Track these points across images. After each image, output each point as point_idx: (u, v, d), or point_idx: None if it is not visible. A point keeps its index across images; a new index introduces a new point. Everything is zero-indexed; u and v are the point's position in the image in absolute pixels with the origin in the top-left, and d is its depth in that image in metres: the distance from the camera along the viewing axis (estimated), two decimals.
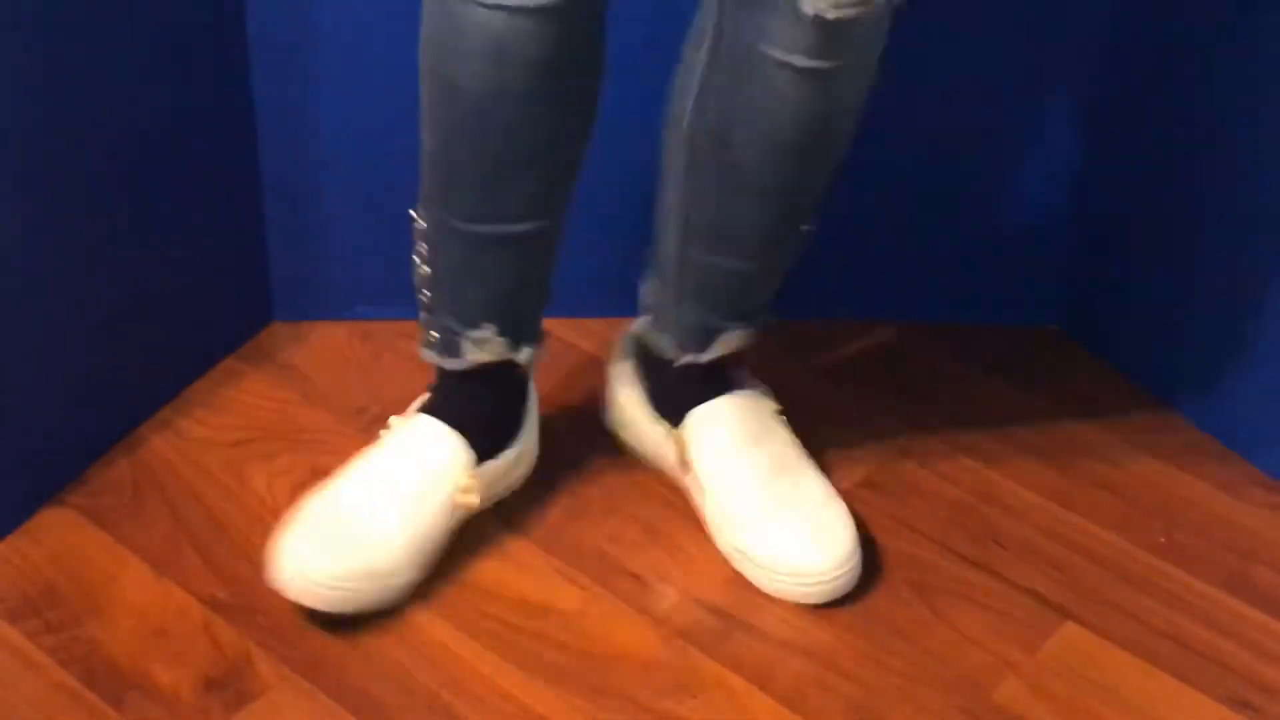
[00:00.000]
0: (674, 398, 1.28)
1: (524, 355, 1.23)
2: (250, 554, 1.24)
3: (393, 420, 1.26)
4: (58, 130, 1.21)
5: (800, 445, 1.28)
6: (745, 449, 1.25)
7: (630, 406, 1.33)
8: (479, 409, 1.24)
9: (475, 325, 1.21)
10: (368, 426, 1.37)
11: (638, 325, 1.30)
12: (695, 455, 1.26)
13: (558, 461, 1.34)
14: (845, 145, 1.15)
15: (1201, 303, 1.40)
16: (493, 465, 1.25)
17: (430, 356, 1.24)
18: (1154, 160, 1.42)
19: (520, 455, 1.28)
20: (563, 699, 1.13)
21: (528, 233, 1.16)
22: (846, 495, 1.27)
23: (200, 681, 1.13)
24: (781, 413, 1.29)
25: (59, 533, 1.25)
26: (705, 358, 1.26)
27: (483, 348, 1.21)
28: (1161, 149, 1.41)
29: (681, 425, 1.27)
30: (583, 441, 1.36)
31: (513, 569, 1.23)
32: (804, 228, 1.21)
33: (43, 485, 1.28)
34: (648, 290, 1.28)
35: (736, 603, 1.22)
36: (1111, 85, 1.43)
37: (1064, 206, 1.50)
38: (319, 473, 1.32)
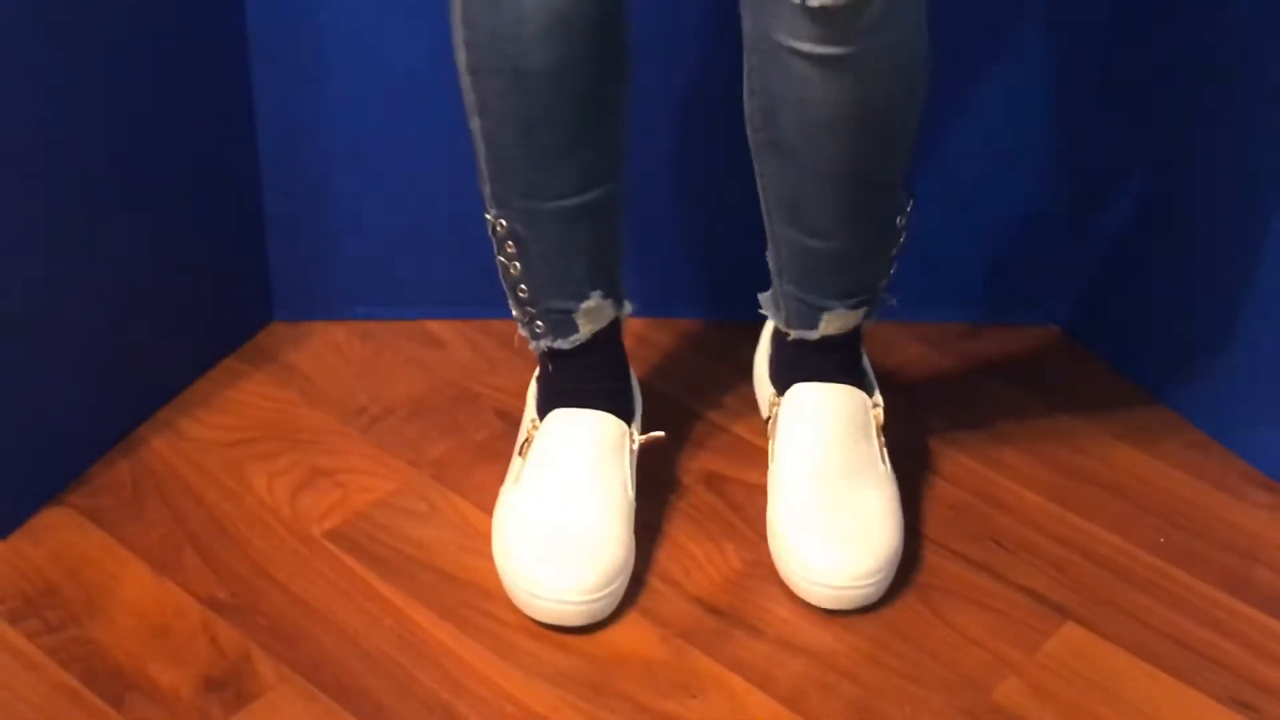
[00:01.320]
0: (786, 367, 1.30)
1: (625, 309, 1.26)
2: (250, 554, 1.24)
3: (533, 423, 1.26)
4: (57, 130, 1.21)
5: (885, 458, 1.27)
6: (822, 440, 1.25)
7: (759, 367, 1.36)
8: (605, 374, 1.27)
9: (584, 297, 1.22)
10: (368, 426, 1.38)
11: (763, 297, 1.31)
12: (779, 429, 1.27)
13: None
14: (900, 124, 1.14)
15: (1202, 303, 1.40)
16: (638, 417, 1.29)
17: (546, 344, 1.25)
18: (1154, 160, 1.42)
19: (639, 400, 1.31)
20: (563, 699, 1.13)
21: (607, 194, 1.19)
22: None
23: (200, 681, 1.13)
24: (880, 414, 1.29)
25: (59, 533, 1.25)
26: (812, 335, 1.26)
27: (594, 316, 1.23)
28: (1162, 148, 1.41)
29: (782, 395, 1.28)
30: None
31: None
32: (889, 211, 1.20)
33: (43, 485, 1.28)
34: (769, 268, 1.29)
35: (736, 603, 1.22)
36: (1112, 85, 1.43)
37: (1064, 206, 1.50)
38: (319, 472, 1.32)
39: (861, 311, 1.26)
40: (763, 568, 1.25)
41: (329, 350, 1.47)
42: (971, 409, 1.44)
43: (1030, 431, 1.41)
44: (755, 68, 1.13)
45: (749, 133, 1.18)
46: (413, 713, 1.12)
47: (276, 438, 1.36)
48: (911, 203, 1.22)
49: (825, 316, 1.24)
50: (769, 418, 1.30)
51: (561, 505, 1.21)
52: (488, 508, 1.29)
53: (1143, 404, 1.46)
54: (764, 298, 1.30)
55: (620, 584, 1.20)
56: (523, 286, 1.22)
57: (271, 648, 1.16)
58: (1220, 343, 1.39)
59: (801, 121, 1.12)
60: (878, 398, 1.30)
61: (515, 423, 1.37)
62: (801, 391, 1.27)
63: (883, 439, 1.28)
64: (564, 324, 1.23)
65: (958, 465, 1.37)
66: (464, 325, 1.51)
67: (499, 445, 1.35)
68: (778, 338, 1.32)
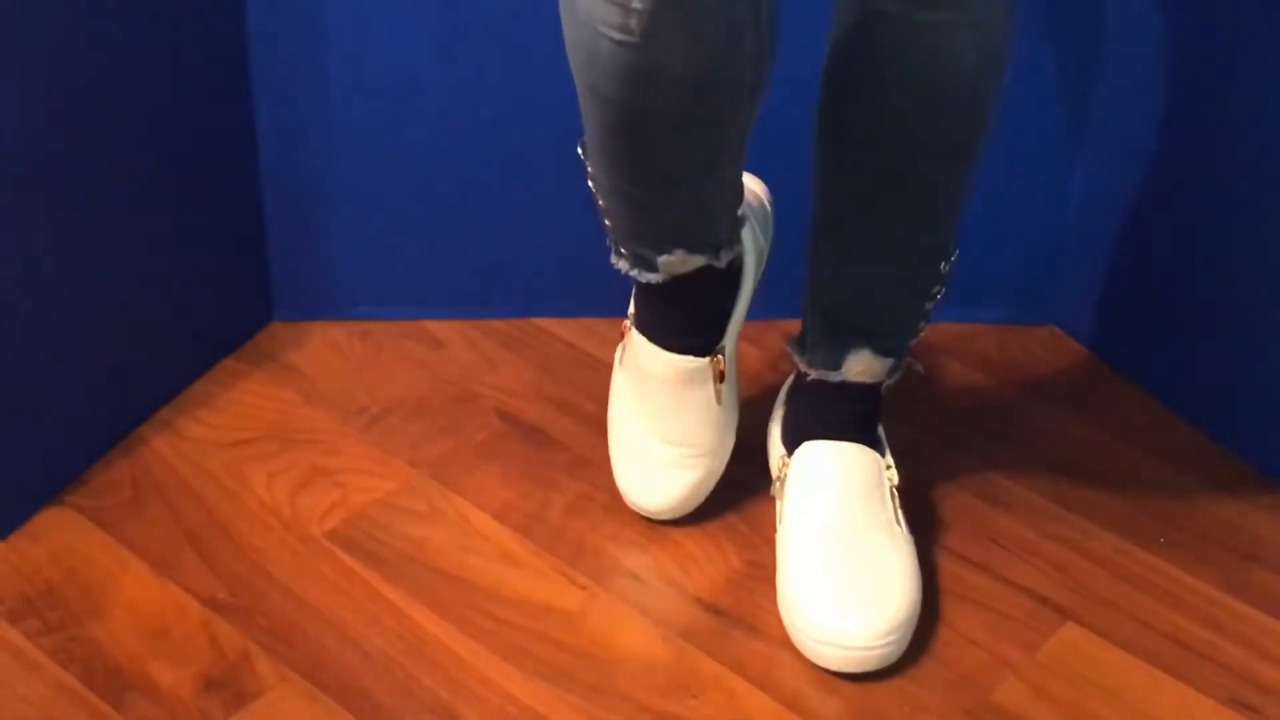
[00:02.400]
0: (799, 426, 1.26)
1: (723, 259, 1.20)
2: (250, 554, 1.24)
3: (630, 340, 1.27)
4: (56, 130, 1.21)
5: (899, 521, 1.22)
6: (832, 502, 1.20)
7: (771, 427, 1.31)
8: (691, 309, 1.23)
9: (666, 252, 1.18)
10: (368, 426, 1.38)
11: (790, 339, 1.28)
12: (788, 489, 1.23)
13: (558, 462, 1.34)
14: (967, 129, 1.11)
15: (1201, 302, 1.40)
16: (729, 342, 1.27)
17: (624, 268, 1.21)
18: (1154, 159, 1.42)
19: (749, 290, 1.29)
20: (563, 699, 1.13)
21: (698, 185, 1.14)
22: None
23: (200, 681, 1.13)
24: (894, 476, 1.25)
25: (59, 533, 1.25)
26: (834, 377, 1.23)
27: (678, 266, 1.19)
28: (1161, 148, 1.41)
29: (792, 454, 1.24)
30: (583, 442, 1.36)
31: (513, 569, 1.23)
32: (934, 244, 1.17)
33: (43, 485, 1.28)
34: (802, 305, 1.27)
35: (736, 603, 1.22)
36: (1111, 84, 1.43)
37: (1063, 206, 1.50)
38: (319, 473, 1.32)
39: (888, 364, 1.22)
40: (762, 568, 1.25)
41: (329, 350, 1.47)
42: (971, 409, 1.44)
43: (1030, 432, 1.41)
44: (838, 39, 1.09)
45: (818, 122, 1.14)
46: (413, 713, 1.12)
47: (276, 438, 1.36)
48: (956, 253, 1.20)
49: (851, 355, 1.21)
50: (778, 478, 1.26)
51: (638, 429, 1.27)
52: (488, 508, 1.29)
53: (1143, 404, 1.46)
54: (791, 340, 1.27)
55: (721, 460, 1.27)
56: (607, 218, 1.19)
57: (271, 648, 1.16)
58: (1221, 343, 1.39)
59: (873, 102, 1.09)
60: (890, 460, 1.25)
61: (515, 423, 1.37)
62: (812, 449, 1.23)
63: (898, 500, 1.23)
64: (645, 262, 1.19)
65: (958, 465, 1.37)
66: (464, 325, 1.51)
67: (499, 445, 1.35)
68: (793, 395, 1.29)
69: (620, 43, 1.01)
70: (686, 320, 1.24)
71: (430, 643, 1.17)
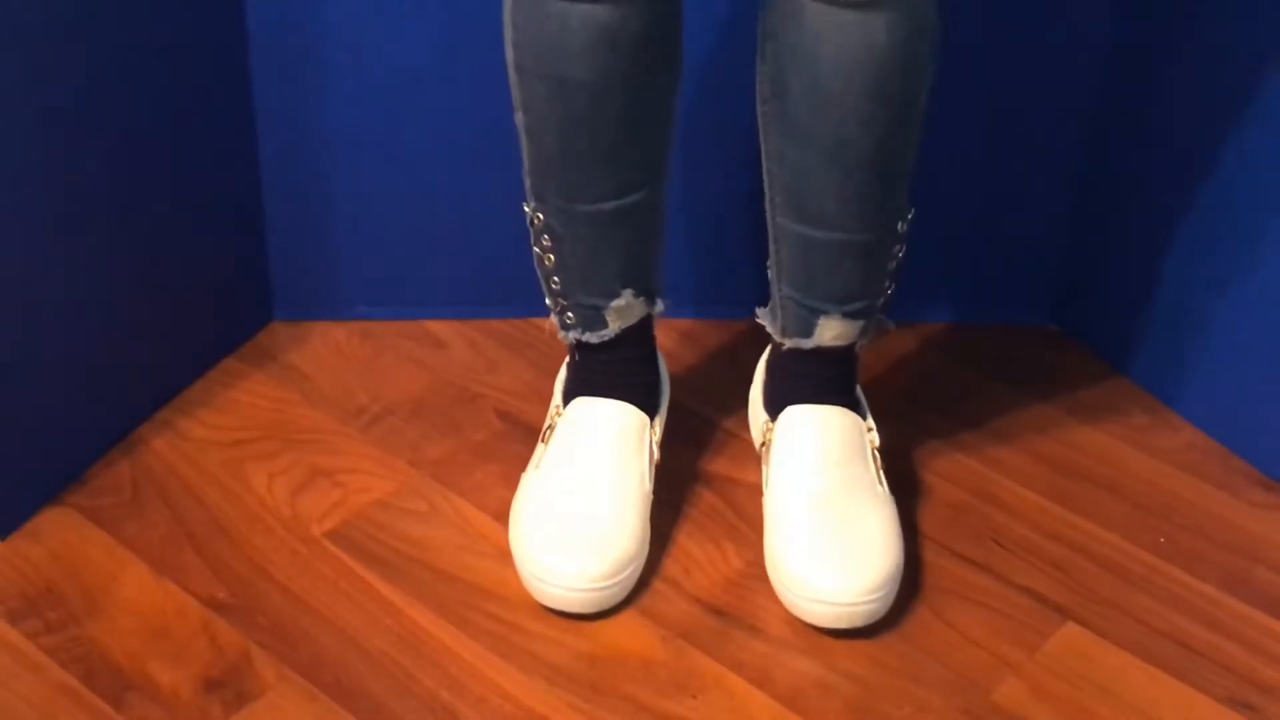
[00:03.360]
0: (780, 392, 1.29)
1: (658, 307, 1.27)
2: (250, 554, 1.24)
3: (557, 410, 1.28)
4: (57, 130, 1.21)
5: (881, 480, 1.26)
6: (817, 463, 1.23)
7: (754, 397, 1.35)
8: (632, 369, 1.28)
9: (615, 295, 1.23)
10: (368, 426, 1.38)
11: (760, 310, 1.30)
12: (773, 454, 1.26)
13: None
14: (907, 103, 1.13)
15: (1201, 303, 1.40)
16: (662, 409, 1.30)
17: (575, 336, 1.26)
18: (1153, 159, 1.42)
19: (666, 394, 1.33)
20: (563, 699, 1.13)
21: (645, 198, 1.20)
22: None
23: (200, 681, 1.13)
24: (875, 436, 1.28)
25: (59, 533, 1.25)
26: (808, 344, 1.25)
27: (625, 314, 1.24)
28: (1161, 147, 1.41)
29: (775, 420, 1.27)
30: None
31: (513, 569, 1.23)
32: (891, 207, 1.19)
33: (43, 485, 1.28)
34: (769, 276, 1.29)
35: (736, 603, 1.22)
36: (1110, 83, 1.43)
37: (1063, 205, 1.50)
38: (319, 473, 1.32)
39: (859, 326, 1.24)
40: (762, 568, 1.25)
41: (329, 350, 1.47)
42: (971, 409, 1.44)
43: (1030, 431, 1.41)
44: (769, 29, 1.13)
45: (759, 108, 1.18)
46: (413, 713, 1.12)
47: (276, 438, 1.36)
48: (912, 212, 1.22)
49: (821, 321, 1.24)
50: (762, 444, 1.29)
51: (576, 492, 1.22)
52: (488, 508, 1.29)
53: (1142, 404, 1.46)
54: (761, 311, 1.29)
55: (630, 574, 1.20)
56: (555, 279, 1.23)
57: (271, 648, 1.16)
58: (1220, 342, 1.39)
59: (811, 87, 1.12)
60: (871, 422, 1.29)
61: (515, 423, 1.37)
62: (795, 414, 1.26)
63: (879, 461, 1.27)
64: (594, 319, 1.24)
65: (958, 465, 1.37)
66: (464, 325, 1.51)
67: (499, 445, 1.35)
68: (772, 363, 1.32)
69: (590, 3, 1.08)
70: (624, 383, 1.27)
71: (430, 643, 1.17)
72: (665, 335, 1.50)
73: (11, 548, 1.24)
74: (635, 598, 1.22)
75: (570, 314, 1.25)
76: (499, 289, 1.50)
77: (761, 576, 1.24)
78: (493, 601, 1.21)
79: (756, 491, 1.31)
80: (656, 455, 1.27)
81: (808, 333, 1.25)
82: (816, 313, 1.24)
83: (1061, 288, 1.54)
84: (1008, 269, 1.53)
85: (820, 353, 1.26)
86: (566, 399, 1.28)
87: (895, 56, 1.10)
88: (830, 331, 1.24)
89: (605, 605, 1.19)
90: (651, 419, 1.27)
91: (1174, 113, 1.39)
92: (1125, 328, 1.49)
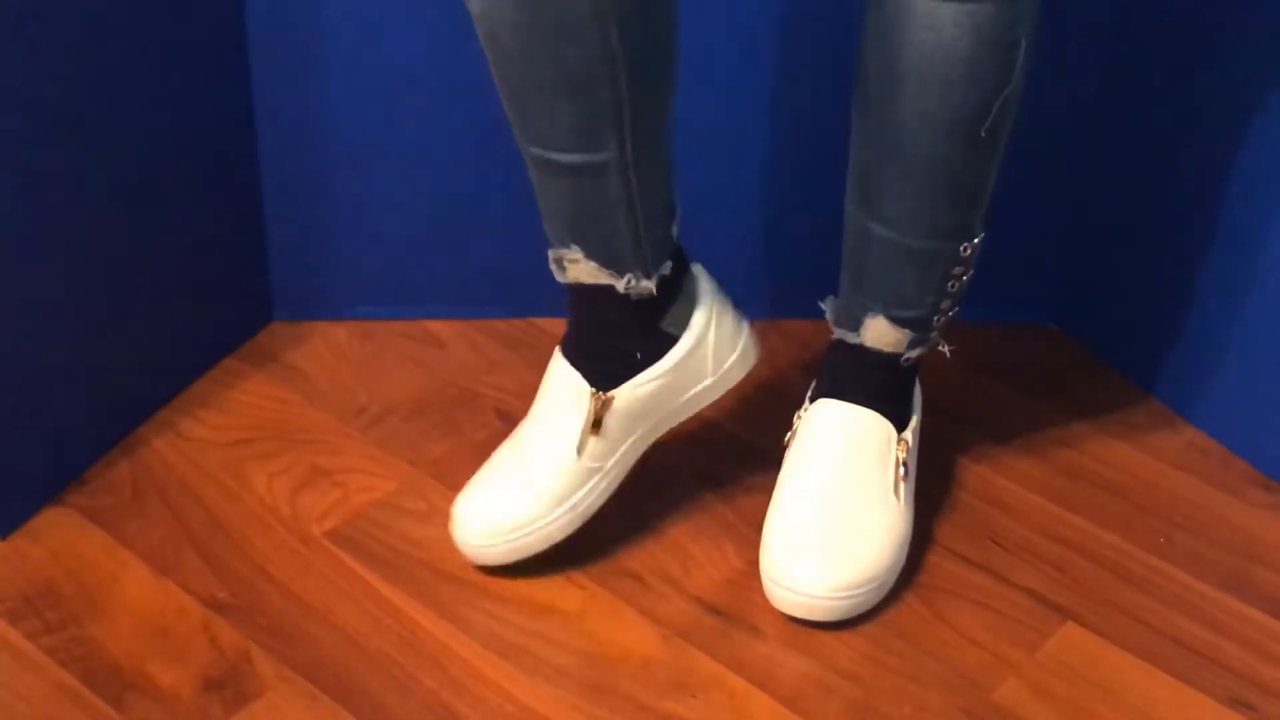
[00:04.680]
0: (821, 381, 1.27)
1: (623, 284, 1.19)
2: (250, 554, 1.24)
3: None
4: (56, 130, 1.21)
5: (898, 490, 1.24)
6: (831, 460, 1.23)
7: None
8: (594, 330, 1.23)
9: (565, 244, 1.19)
10: (368, 426, 1.38)
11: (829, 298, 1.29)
12: (794, 443, 1.26)
13: None
14: (973, 121, 1.12)
15: (1201, 303, 1.40)
16: (625, 390, 1.22)
17: (551, 267, 1.22)
18: (1154, 159, 1.42)
19: (672, 379, 1.25)
20: (563, 699, 1.13)
21: (579, 164, 1.14)
22: None
23: (200, 681, 1.13)
24: (904, 450, 1.26)
25: (59, 533, 1.25)
26: (852, 339, 1.24)
27: (572, 268, 1.20)
28: (1161, 147, 1.41)
29: (806, 409, 1.26)
30: None
31: (513, 569, 1.23)
32: (957, 222, 1.18)
33: (43, 485, 1.28)
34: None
35: (736, 603, 1.22)
36: (1110, 83, 1.43)
37: (1063, 205, 1.50)
38: (319, 473, 1.32)
39: (906, 335, 1.23)
40: None
41: (329, 350, 1.47)
42: (971, 409, 1.44)
43: (1030, 431, 1.41)
44: (873, 31, 1.12)
45: (854, 110, 1.16)
46: (413, 713, 1.12)
47: (276, 438, 1.36)
48: (979, 239, 1.20)
49: (867, 320, 1.22)
50: (791, 430, 1.28)
51: (510, 447, 1.23)
52: None
53: (1143, 404, 1.46)
54: (828, 297, 1.28)
55: (530, 538, 1.22)
56: (545, 212, 1.20)
57: (271, 648, 1.16)
58: (1220, 343, 1.39)
59: (886, 70, 1.10)
60: (908, 434, 1.26)
61: (515, 423, 1.37)
62: (824, 408, 1.25)
63: (901, 474, 1.24)
64: (556, 259, 1.21)
65: (957, 465, 1.37)
66: (464, 325, 1.51)
67: (499, 445, 1.35)
68: (826, 354, 1.29)
69: None
70: (584, 340, 1.23)
71: (430, 643, 1.17)
72: None
73: (11, 548, 1.24)
74: (635, 598, 1.22)
75: (550, 242, 1.20)
76: (499, 289, 1.50)
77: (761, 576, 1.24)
78: (493, 601, 1.21)
79: (756, 491, 1.31)
80: (598, 433, 1.22)
81: (855, 327, 1.24)
82: (865, 309, 1.23)
83: (1061, 288, 1.54)
84: (1008, 269, 1.53)
85: (864, 351, 1.25)
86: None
87: (973, 55, 1.09)
88: (873, 332, 1.23)
89: (503, 560, 1.21)
90: (602, 388, 1.21)
91: (1174, 112, 1.39)
92: (1125, 328, 1.49)
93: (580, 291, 1.21)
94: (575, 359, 1.22)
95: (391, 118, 1.42)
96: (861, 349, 1.25)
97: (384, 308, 1.50)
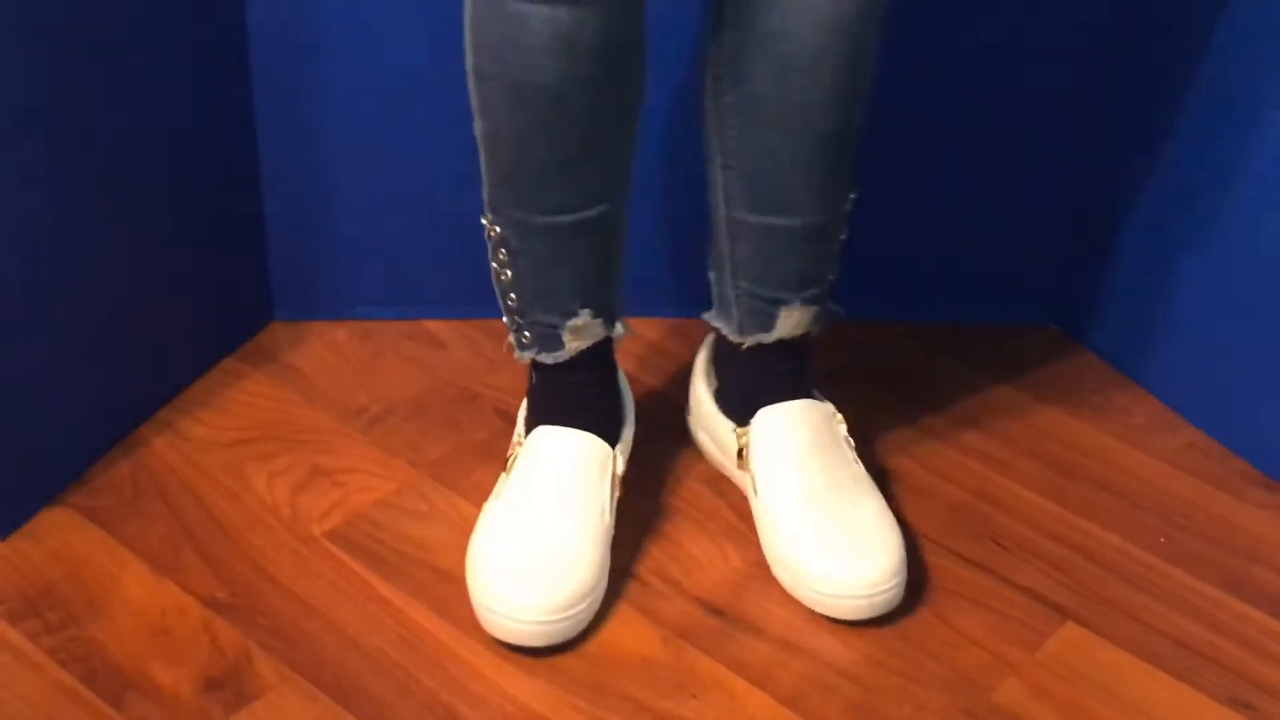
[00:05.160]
0: (744, 395, 1.28)
1: (617, 331, 1.25)
2: (250, 554, 1.24)
3: (519, 440, 1.25)
4: (56, 131, 1.21)
5: (858, 462, 1.27)
6: (804, 460, 1.24)
7: (703, 402, 1.33)
8: (592, 394, 1.25)
9: (572, 314, 1.21)
10: (368, 426, 1.38)
11: (708, 314, 1.30)
12: (754, 458, 1.25)
13: None
14: (866, 82, 1.15)
15: (1201, 302, 1.40)
16: (625, 438, 1.27)
17: (529, 355, 1.24)
18: (1153, 159, 1.42)
19: (631, 422, 1.29)
20: (563, 699, 1.13)
21: (604, 214, 1.18)
22: None
23: (200, 681, 1.13)
24: (844, 423, 1.28)
25: (59, 533, 1.25)
26: (770, 337, 1.25)
27: (582, 334, 1.22)
28: (1161, 147, 1.41)
29: (747, 425, 1.27)
30: None
31: None
32: (847, 182, 1.21)
33: (43, 485, 1.28)
34: (711, 277, 1.29)
35: (736, 603, 1.22)
36: (1110, 83, 1.43)
37: (1063, 205, 1.50)
38: (319, 472, 1.32)
39: (813, 312, 1.25)
40: (763, 568, 1.25)
41: (329, 350, 1.47)
42: (971, 409, 1.44)
43: (1030, 431, 1.41)
44: (725, 19, 1.14)
45: (710, 104, 1.19)
46: (413, 713, 1.12)
47: (276, 438, 1.36)
48: (858, 191, 1.23)
49: (782, 312, 1.24)
50: (739, 449, 1.27)
51: (533, 525, 1.19)
52: None
53: (1142, 403, 1.46)
54: (709, 315, 1.29)
55: (587, 608, 1.17)
56: (512, 295, 1.22)
57: (271, 648, 1.16)
58: (1221, 342, 1.39)
59: (781, 67, 1.13)
60: (832, 406, 1.29)
61: (515, 422, 1.37)
62: (769, 415, 1.26)
63: (853, 444, 1.27)
64: (551, 338, 1.22)
65: (958, 465, 1.37)
66: (464, 325, 1.51)
67: (499, 445, 1.35)
68: (724, 366, 1.31)
69: (550, 5, 1.07)
70: (583, 408, 1.25)
71: (430, 643, 1.17)
72: (666, 336, 1.50)
73: (11, 548, 1.24)
74: (635, 598, 1.22)
75: (527, 333, 1.23)
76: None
77: (761, 577, 1.24)
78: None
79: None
80: (618, 489, 1.24)
81: (768, 326, 1.25)
82: (777, 304, 1.24)
83: (1061, 287, 1.54)
84: (1008, 269, 1.53)
85: (780, 347, 1.26)
86: (528, 428, 1.25)
87: (863, 28, 1.12)
88: (790, 321, 1.25)
89: (555, 640, 1.16)
90: (614, 447, 1.24)
91: (1173, 112, 1.39)
92: (1125, 328, 1.49)
93: (576, 360, 1.23)
94: (572, 423, 1.23)
95: (391, 118, 1.42)
96: (778, 344, 1.26)
97: (384, 308, 1.50)
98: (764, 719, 1.13)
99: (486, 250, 1.21)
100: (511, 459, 1.25)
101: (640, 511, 1.29)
